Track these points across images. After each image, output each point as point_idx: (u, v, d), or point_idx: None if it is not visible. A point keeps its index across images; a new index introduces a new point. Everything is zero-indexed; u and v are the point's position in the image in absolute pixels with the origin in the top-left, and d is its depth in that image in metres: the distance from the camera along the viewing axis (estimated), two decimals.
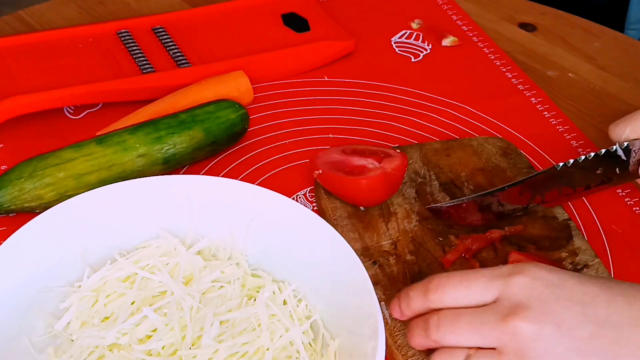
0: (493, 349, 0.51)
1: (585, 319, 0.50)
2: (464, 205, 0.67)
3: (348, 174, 0.69)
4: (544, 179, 0.66)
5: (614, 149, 0.65)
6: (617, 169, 0.65)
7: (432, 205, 0.69)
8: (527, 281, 0.51)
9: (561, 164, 0.65)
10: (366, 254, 0.65)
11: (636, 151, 0.64)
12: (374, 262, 0.64)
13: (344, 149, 0.73)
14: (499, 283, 0.52)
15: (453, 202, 0.67)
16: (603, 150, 0.65)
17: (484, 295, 0.52)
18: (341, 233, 0.64)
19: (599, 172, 0.66)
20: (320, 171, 0.69)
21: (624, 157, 0.64)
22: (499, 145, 0.77)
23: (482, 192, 0.67)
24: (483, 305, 0.52)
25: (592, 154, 0.65)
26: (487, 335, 0.51)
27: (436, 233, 0.67)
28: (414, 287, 0.55)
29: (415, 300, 0.55)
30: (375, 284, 0.60)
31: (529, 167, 0.74)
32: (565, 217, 0.69)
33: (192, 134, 0.73)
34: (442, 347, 0.53)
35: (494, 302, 0.52)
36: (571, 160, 0.65)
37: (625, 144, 0.65)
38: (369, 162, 0.70)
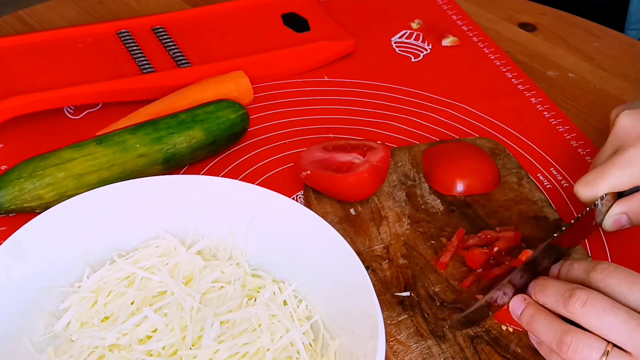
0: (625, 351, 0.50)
1: None
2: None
3: (336, 172, 0.68)
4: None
5: (587, 210, 0.63)
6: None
7: (461, 317, 0.58)
8: None
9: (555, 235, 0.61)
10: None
11: (604, 204, 0.63)
12: (367, 267, 0.63)
13: (325, 146, 0.72)
14: None
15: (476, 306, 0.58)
16: (579, 215, 0.62)
17: None
18: None
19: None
20: (309, 172, 0.69)
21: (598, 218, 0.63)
22: (487, 145, 0.77)
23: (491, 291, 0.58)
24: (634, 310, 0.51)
25: (566, 226, 0.62)
26: (636, 340, 0.50)
27: (428, 236, 0.67)
28: (580, 261, 0.56)
29: (577, 269, 0.55)
30: None
31: (518, 167, 0.74)
32: (557, 217, 0.69)
33: (192, 134, 0.73)
34: (576, 330, 0.51)
35: None
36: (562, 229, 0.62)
37: (597, 202, 0.63)
38: (354, 157, 0.69)
